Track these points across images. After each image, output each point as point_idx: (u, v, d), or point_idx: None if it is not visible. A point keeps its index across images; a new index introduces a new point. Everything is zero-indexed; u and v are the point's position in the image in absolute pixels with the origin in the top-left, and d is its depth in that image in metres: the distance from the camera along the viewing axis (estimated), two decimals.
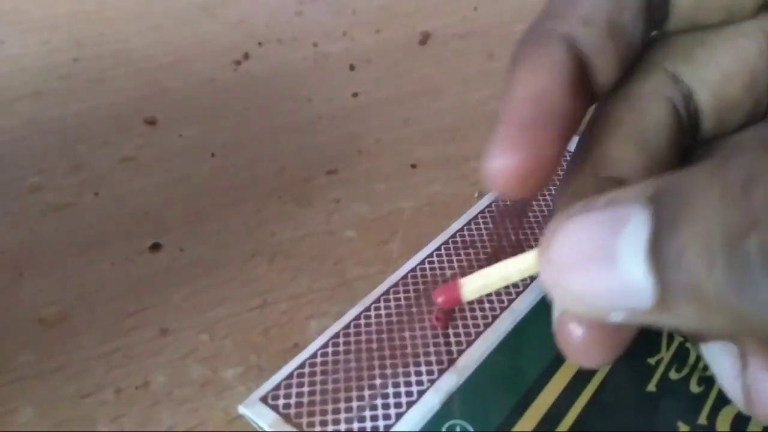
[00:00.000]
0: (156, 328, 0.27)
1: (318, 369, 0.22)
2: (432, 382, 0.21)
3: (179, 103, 0.40)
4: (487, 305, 0.24)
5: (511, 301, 0.24)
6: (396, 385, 0.21)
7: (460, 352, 0.22)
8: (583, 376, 0.22)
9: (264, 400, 0.21)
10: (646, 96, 0.17)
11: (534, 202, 0.28)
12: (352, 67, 0.44)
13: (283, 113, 0.39)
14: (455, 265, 0.26)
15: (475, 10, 0.51)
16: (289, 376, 0.22)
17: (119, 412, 0.24)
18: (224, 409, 0.24)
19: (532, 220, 0.27)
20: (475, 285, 0.16)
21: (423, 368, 0.22)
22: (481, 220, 0.28)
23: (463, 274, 0.25)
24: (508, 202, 0.28)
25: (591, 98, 0.17)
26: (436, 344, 0.23)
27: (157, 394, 0.25)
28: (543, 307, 0.24)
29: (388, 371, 0.22)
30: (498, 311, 0.24)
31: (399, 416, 0.21)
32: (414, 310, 0.24)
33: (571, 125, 0.15)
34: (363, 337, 0.23)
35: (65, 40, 0.46)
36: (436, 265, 0.26)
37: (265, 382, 0.25)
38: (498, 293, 0.24)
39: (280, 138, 0.37)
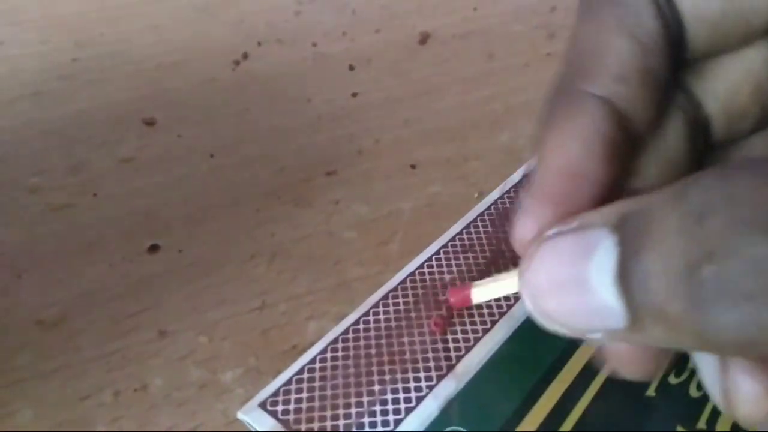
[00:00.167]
0: (155, 330, 0.27)
1: (317, 375, 0.22)
2: (431, 388, 0.21)
3: (178, 103, 0.40)
4: (486, 311, 0.24)
5: (509, 307, 0.24)
6: (395, 391, 0.21)
7: (459, 358, 0.22)
8: (582, 382, 0.22)
9: (263, 406, 0.21)
10: None
11: None
12: (351, 67, 0.43)
13: (282, 113, 0.39)
14: (454, 269, 0.25)
15: (475, 10, 0.51)
16: (288, 382, 0.22)
17: (118, 414, 0.24)
18: (223, 412, 0.24)
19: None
20: (486, 289, 0.16)
21: (422, 374, 0.22)
22: (480, 223, 0.28)
23: (462, 279, 0.25)
24: (507, 205, 0.28)
25: (629, 153, 0.16)
26: (434, 350, 0.22)
27: (155, 396, 0.25)
28: None
29: (387, 377, 0.22)
30: (497, 317, 0.24)
31: (398, 422, 0.20)
32: (413, 315, 0.24)
33: (607, 191, 0.15)
34: (362, 343, 0.23)
35: (65, 41, 0.46)
36: (435, 269, 0.26)
37: (263, 384, 0.25)
38: (497, 299, 0.24)
39: (280, 138, 0.37)
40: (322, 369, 0.22)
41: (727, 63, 0.17)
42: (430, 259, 0.26)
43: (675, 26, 0.15)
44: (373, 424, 0.20)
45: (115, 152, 0.36)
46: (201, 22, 0.49)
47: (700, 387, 0.22)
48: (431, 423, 0.21)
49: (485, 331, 0.23)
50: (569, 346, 0.23)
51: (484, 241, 0.27)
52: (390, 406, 0.21)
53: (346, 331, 0.23)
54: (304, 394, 0.21)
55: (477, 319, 0.24)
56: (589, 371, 0.22)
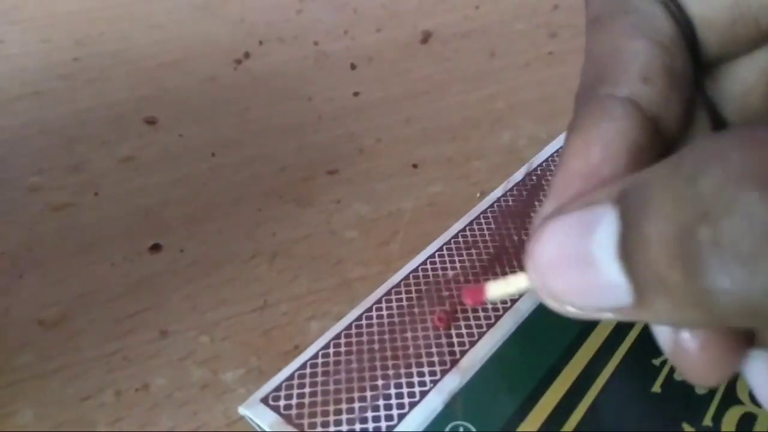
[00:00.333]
0: (156, 330, 0.27)
1: (319, 370, 0.22)
2: (435, 382, 0.21)
3: (179, 102, 0.40)
4: (490, 306, 0.24)
5: (514, 302, 0.24)
6: (398, 385, 0.21)
7: (463, 353, 0.22)
8: (587, 377, 0.22)
9: (265, 401, 0.21)
10: None
11: (536, 202, 0.28)
12: (353, 66, 0.43)
13: (283, 112, 0.39)
14: (457, 265, 0.25)
15: (476, 8, 0.50)
16: (290, 377, 0.22)
17: (119, 415, 0.24)
18: (224, 412, 0.24)
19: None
20: (499, 285, 0.16)
21: (425, 369, 0.22)
22: (483, 220, 0.27)
23: (465, 275, 0.25)
24: (510, 203, 0.28)
25: (657, 153, 0.15)
26: (438, 345, 0.22)
27: (156, 396, 0.24)
28: (546, 308, 0.24)
29: (391, 372, 0.22)
30: (501, 311, 0.24)
31: (401, 417, 0.20)
32: (416, 310, 0.24)
33: None
34: (364, 338, 0.23)
35: (65, 40, 0.46)
36: (438, 265, 0.25)
37: (264, 383, 0.25)
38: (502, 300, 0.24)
39: (281, 137, 0.37)
40: (325, 364, 0.22)
41: (739, 66, 0.16)
42: (432, 255, 0.26)
43: (688, 31, 0.15)
44: (376, 419, 0.20)
45: (116, 151, 0.36)
46: (202, 21, 0.49)
47: None
48: (435, 418, 0.20)
49: (489, 326, 0.23)
50: (574, 341, 0.23)
51: (488, 238, 0.27)
52: (393, 401, 0.21)
53: (348, 327, 0.23)
54: (307, 389, 0.21)
55: (481, 314, 0.23)
56: (594, 366, 0.22)
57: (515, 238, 0.27)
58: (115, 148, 0.36)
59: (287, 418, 0.21)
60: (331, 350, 0.22)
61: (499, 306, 0.24)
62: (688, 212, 0.10)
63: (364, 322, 0.23)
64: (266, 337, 0.26)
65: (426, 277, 0.25)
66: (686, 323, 0.12)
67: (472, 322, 0.23)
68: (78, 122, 0.38)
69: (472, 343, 0.22)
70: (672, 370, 0.22)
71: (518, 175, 0.30)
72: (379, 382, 0.21)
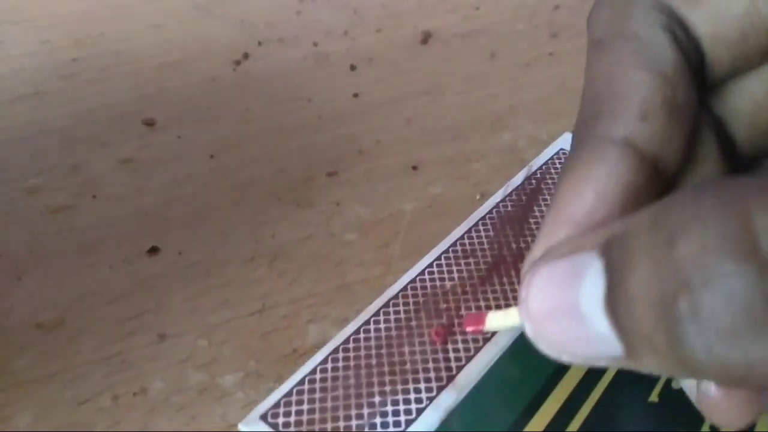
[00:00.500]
0: (154, 333, 0.27)
1: (317, 386, 0.22)
2: (431, 399, 0.21)
3: (178, 103, 0.40)
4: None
5: None
6: (395, 402, 0.21)
7: (459, 369, 0.22)
8: (583, 389, 0.22)
9: (264, 417, 0.21)
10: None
11: (536, 207, 0.28)
12: (352, 67, 0.43)
13: (283, 114, 0.39)
14: (455, 276, 0.25)
15: (477, 9, 0.50)
16: (289, 393, 0.22)
17: (117, 419, 0.24)
18: (222, 416, 0.24)
19: (534, 226, 0.27)
20: (499, 320, 0.16)
21: (422, 385, 0.22)
22: (481, 227, 0.27)
23: (463, 286, 0.25)
24: (509, 208, 0.28)
25: (655, 191, 0.15)
26: (435, 360, 0.22)
27: (154, 400, 0.24)
28: None
29: (388, 388, 0.22)
30: None
31: None
32: (413, 324, 0.23)
33: None
34: (362, 353, 0.23)
35: (65, 40, 0.46)
36: (436, 275, 0.25)
37: (263, 388, 0.25)
38: (498, 306, 0.24)
39: (281, 139, 0.37)
40: (323, 380, 0.22)
41: (748, 81, 0.16)
42: (431, 264, 0.26)
43: (694, 54, 0.15)
44: None
45: (115, 153, 0.36)
46: (202, 22, 0.49)
47: None
48: None
49: (485, 341, 0.23)
50: None
51: (486, 246, 0.26)
52: (390, 418, 0.21)
53: (347, 341, 0.23)
54: (305, 406, 0.21)
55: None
56: (590, 379, 0.22)
57: (514, 246, 0.26)
58: (115, 149, 0.36)
59: None
60: (329, 365, 0.22)
61: None
62: (668, 280, 0.10)
63: (362, 335, 0.23)
64: (265, 340, 0.26)
65: (424, 288, 0.25)
66: (682, 377, 0.12)
67: (469, 337, 0.23)
68: (77, 123, 0.38)
69: (469, 359, 0.22)
70: (669, 379, 0.22)
71: (517, 179, 0.30)
72: (377, 399, 0.21)
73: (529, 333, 0.13)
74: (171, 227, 0.31)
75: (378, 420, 0.21)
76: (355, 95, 0.41)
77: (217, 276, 0.29)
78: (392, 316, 0.24)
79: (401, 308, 0.24)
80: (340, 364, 0.22)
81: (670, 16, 0.15)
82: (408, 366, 0.22)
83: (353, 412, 0.21)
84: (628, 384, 0.22)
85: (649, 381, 0.22)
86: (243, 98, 0.40)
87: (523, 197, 0.29)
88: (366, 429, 0.20)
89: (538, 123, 0.38)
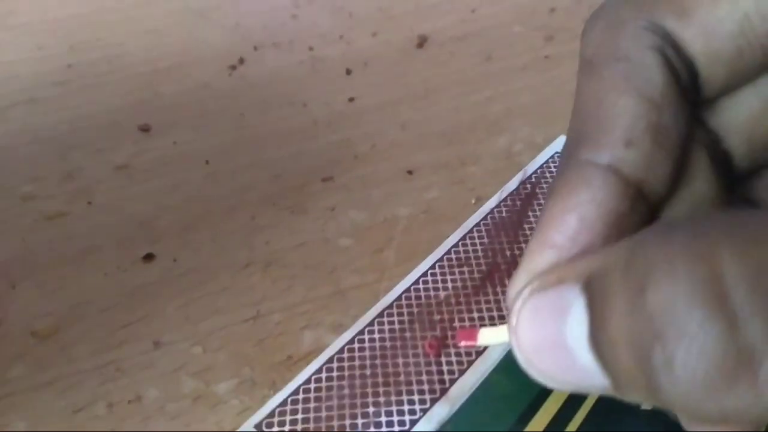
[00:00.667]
0: (149, 341, 0.27)
1: (312, 396, 0.22)
2: (424, 411, 0.21)
3: (173, 109, 0.40)
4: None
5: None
6: (389, 413, 0.21)
7: (452, 381, 0.22)
8: (575, 400, 0.22)
9: (258, 427, 0.21)
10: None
11: (530, 212, 0.28)
12: (348, 71, 0.43)
13: (278, 119, 0.39)
14: (449, 285, 0.25)
15: (473, 12, 0.50)
16: (284, 402, 0.22)
17: (112, 427, 0.24)
18: (217, 423, 0.24)
19: (528, 232, 0.27)
20: (491, 336, 0.16)
21: (416, 397, 0.22)
22: (476, 234, 0.27)
23: (457, 295, 0.25)
24: (504, 214, 0.28)
25: (642, 216, 0.15)
26: (428, 372, 0.22)
27: (149, 408, 0.24)
28: None
29: (382, 399, 0.22)
30: None
31: None
32: (407, 335, 0.24)
33: None
34: (357, 363, 0.23)
35: (60, 45, 0.46)
36: (431, 285, 0.25)
37: (257, 395, 0.24)
38: (491, 317, 0.24)
39: (276, 144, 0.37)
40: (317, 390, 0.22)
41: (744, 95, 0.16)
42: (425, 273, 0.26)
43: (685, 73, 0.15)
44: None
45: (110, 159, 0.36)
46: (197, 26, 0.48)
47: None
48: None
49: (478, 354, 0.23)
50: None
51: (480, 254, 0.26)
52: (384, 429, 0.21)
53: (341, 350, 0.23)
54: (299, 416, 0.21)
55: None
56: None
57: (508, 253, 0.26)
58: (110, 155, 0.36)
59: None
60: (324, 375, 0.22)
61: None
62: (643, 328, 0.10)
63: (356, 345, 0.23)
64: (260, 347, 0.26)
65: (418, 297, 0.25)
66: (658, 407, 0.12)
67: (462, 350, 0.23)
68: (72, 129, 0.38)
69: (462, 371, 0.22)
70: None
71: (512, 184, 0.30)
72: (370, 410, 0.21)
73: (521, 361, 0.13)
74: (165, 234, 0.31)
75: (372, 431, 0.21)
76: (351, 99, 0.41)
77: (211, 283, 0.29)
78: (386, 327, 0.24)
79: (396, 318, 0.24)
80: (335, 373, 0.22)
81: (663, 36, 0.14)
82: (402, 377, 0.22)
83: (347, 422, 0.21)
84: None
85: None
86: (238, 103, 0.40)
87: (518, 202, 0.29)
88: None
89: (535, 126, 0.38)
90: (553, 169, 0.32)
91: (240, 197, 0.33)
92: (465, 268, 0.26)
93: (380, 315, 0.24)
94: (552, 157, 0.33)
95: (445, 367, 0.22)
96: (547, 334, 0.12)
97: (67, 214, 0.33)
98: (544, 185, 0.30)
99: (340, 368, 0.23)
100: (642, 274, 0.11)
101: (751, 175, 0.17)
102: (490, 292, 0.25)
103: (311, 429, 0.21)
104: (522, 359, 0.13)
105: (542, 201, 0.29)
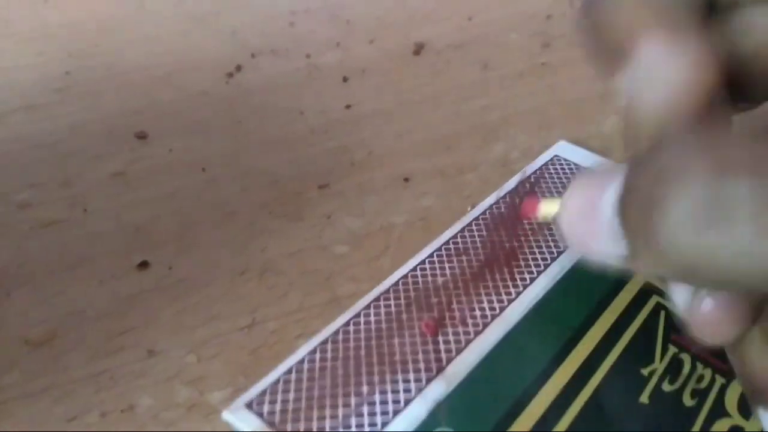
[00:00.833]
0: (143, 349, 0.26)
1: (305, 375, 0.22)
2: (420, 390, 0.21)
3: (170, 116, 0.40)
4: (478, 313, 0.24)
5: (502, 310, 0.24)
6: (383, 392, 0.21)
7: (450, 360, 0.22)
8: (574, 386, 0.22)
9: (249, 406, 0.21)
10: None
11: None
12: (345, 79, 0.43)
13: (275, 126, 0.39)
14: (447, 272, 0.25)
15: (469, 19, 0.50)
16: (275, 382, 0.22)
17: None
18: None
19: (527, 228, 0.27)
20: (550, 206, 0.18)
21: (411, 376, 0.22)
22: (474, 227, 0.27)
23: (455, 281, 0.25)
24: (502, 210, 0.28)
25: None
26: (425, 352, 0.22)
27: (142, 417, 0.24)
28: (535, 316, 0.24)
29: (376, 378, 0.22)
30: (489, 319, 0.24)
31: (385, 424, 0.20)
32: (404, 317, 0.24)
33: None
34: (351, 344, 0.23)
35: (58, 52, 0.46)
36: (428, 271, 0.25)
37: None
38: (489, 300, 0.24)
39: (272, 151, 0.37)
40: (311, 370, 0.22)
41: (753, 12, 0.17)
42: (423, 262, 0.26)
43: None
44: (360, 425, 0.20)
45: (107, 166, 0.36)
46: (195, 34, 0.49)
47: (693, 395, 0.22)
48: (419, 425, 0.20)
49: (477, 333, 0.23)
50: (561, 351, 0.23)
51: (479, 245, 0.26)
52: (378, 407, 0.21)
53: (336, 332, 0.23)
54: (291, 395, 0.21)
55: (469, 320, 0.23)
56: (581, 376, 0.22)
57: (506, 245, 0.26)
58: (106, 163, 0.36)
59: (271, 424, 0.20)
60: (318, 356, 0.22)
61: (488, 314, 0.24)
62: (653, 176, 0.12)
63: (351, 327, 0.23)
64: (254, 355, 0.26)
65: (415, 283, 0.25)
66: (663, 275, 0.14)
67: (460, 329, 0.23)
68: (69, 136, 0.38)
69: (459, 351, 0.22)
70: (659, 381, 0.22)
71: (511, 183, 0.30)
72: (364, 389, 0.21)
73: (563, 227, 0.15)
74: (161, 241, 0.31)
75: (365, 409, 0.21)
76: (348, 107, 0.41)
77: (206, 291, 0.29)
78: (383, 310, 0.24)
79: (392, 302, 0.24)
80: (329, 354, 0.22)
81: None
82: (397, 357, 0.22)
83: (340, 401, 0.21)
84: (621, 382, 0.22)
85: (641, 381, 0.22)
86: (235, 111, 0.40)
87: (517, 200, 0.29)
88: (352, 418, 0.20)
89: (531, 134, 0.38)
90: (553, 172, 0.32)
91: (236, 204, 0.33)
92: (463, 257, 0.26)
93: (376, 299, 0.24)
94: (551, 159, 0.33)
95: (442, 346, 0.22)
96: (589, 202, 0.14)
97: (63, 222, 0.32)
98: (543, 186, 0.30)
99: (334, 349, 0.22)
100: (667, 137, 0.12)
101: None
102: (489, 280, 0.25)
103: (303, 407, 0.21)
104: (564, 227, 0.15)
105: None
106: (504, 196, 0.30)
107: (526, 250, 0.26)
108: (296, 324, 0.27)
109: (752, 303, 0.16)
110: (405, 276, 0.26)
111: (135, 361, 0.26)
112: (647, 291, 0.25)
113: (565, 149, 0.33)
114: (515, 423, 0.21)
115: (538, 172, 0.32)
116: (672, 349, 0.23)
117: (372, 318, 0.24)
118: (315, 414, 0.21)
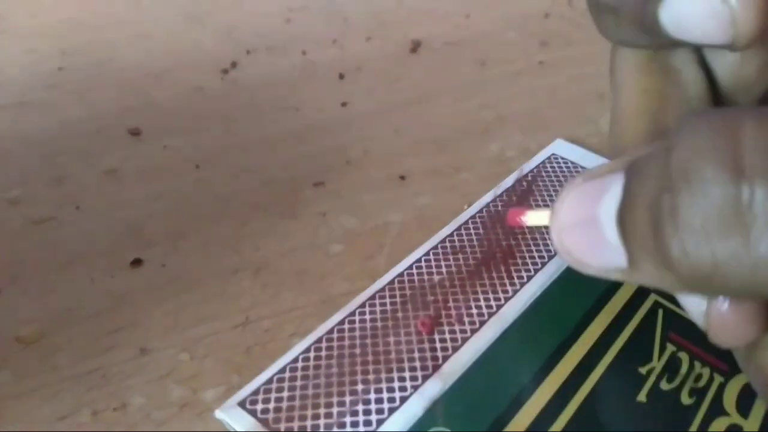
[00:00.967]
0: (135, 347, 0.26)
1: (299, 374, 0.22)
2: (416, 388, 0.21)
3: (164, 113, 0.40)
4: (474, 311, 0.24)
5: (499, 307, 0.24)
6: (378, 390, 0.21)
7: (446, 358, 0.22)
8: (572, 385, 0.21)
9: (242, 404, 0.21)
10: (680, 68, 0.17)
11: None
12: (341, 76, 0.43)
13: (270, 123, 0.39)
14: (443, 270, 0.25)
15: (467, 17, 0.50)
16: (269, 381, 0.21)
17: None
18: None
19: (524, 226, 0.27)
20: (536, 217, 0.17)
21: (407, 374, 0.21)
22: (471, 225, 0.27)
23: (451, 279, 0.25)
24: (499, 208, 0.28)
25: None
26: (421, 350, 0.22)
27: (134, 416, 0.24)
28: (532, 314, 0.24)
29: (371, 377, 0.21)
30: (486, 317, 0.23)
31: (380, 422, 0.20)
32: (400, 315, 0.23)
33: None
34: (346, 342, 0.22)
35: (51, 49, 0.46)
36: (424, 269, 0.25)
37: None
38: (486, 298, 0.24)
39: (267, 149, 0.37)
40: (305, 368, 0.22)
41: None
42: (419, 260, 0.26)
43: None
44: (355, 424, 0.20)
45: (99, 164, 0.36)
46: (190, 30, 0.48)
47: (691, 394, 0.22)
48: (415, 423, 0.20)
49: (473, 331, 0.23)
50: (559, 349, 0.23)
51: (475, 243, 0.26)
52: (373, 406, 0.20)
53: (330, 331, 0.23)
54: (285, 393, 0.21)
55: (465, 318, 0.23)
56: (579, 374, 0.22)
57: (504, 243, 0.26)
58: (99, 160, 0.36)
59: (264, 423, 0.20)
60: (312, 354, 0.22)
61: (484, 311, 0.24)
62: (660, 182, 0.12)
63: (346, 326, 0.23)
64: (248, 354, 0.26)
65: (411, 281, 0.25)
66: (665, 288, 0.13)
67: (456, 327, 0.23)
68: (62, 133, 0.38)
69: (455, 349, 0.22)
70: (657, 379, 0.22)
71: (509, 181, 0.30)
72: (359, 387, 0.21)
73: (554, 240, 0.14)
74: (154, 239, 0.31)
75: (360, 407, 0.20)
76: (344, 104, 0.40)
77: (200, 289, 0.29)
78: (378, 308, 0.24)
79: (387, 300, 0.24)
80: (323, 353, 0.22)
81: None
82: (393, 356, 0.22)
83: (335, 399, 0.21)
84: (618, 381, 0.22)
85: (639, 380, 0.22)
86: (230, 108, 0.40)
87: (514, 198, 0.29)
88: (347, 416, 0.20)
89: (528, 133, 0.38)
90: (550, 170, 0.32)
91: (230, 202, 0.33)
92: (460, 255, 0.26)
93: (371, 298, 0.24)
94: (548, 158, 0.33)
95: (438, 345, 0.22)
96: (583, 212, 0.13)
97: (54, 219, 0.32)
98: (540, 184, 0.30)
99: (329, 348, 0.22)
100: (672, 139, 0.11)
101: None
102: (485, 278, 0.25)
103: (297, 406, 0.20)
104: (556, 238, 0.14)
105: (538, 198, 0.29)
106: (501, 194, 0.30)
107: (523, 248, 0.26)
108: (290, 323, 0.27)
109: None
110: (401, 274, 0.25)
111: (127, 360, 0.26)
112: (645, 289, 0.25)
113: (562, 147, 0.33)
114: (512, 422, 0.20)
115: (535, 170, 0.32)
116: (670, 348, 0.23)
117: (367, 316, 0.24)
118: (309, 413, 0.20)
